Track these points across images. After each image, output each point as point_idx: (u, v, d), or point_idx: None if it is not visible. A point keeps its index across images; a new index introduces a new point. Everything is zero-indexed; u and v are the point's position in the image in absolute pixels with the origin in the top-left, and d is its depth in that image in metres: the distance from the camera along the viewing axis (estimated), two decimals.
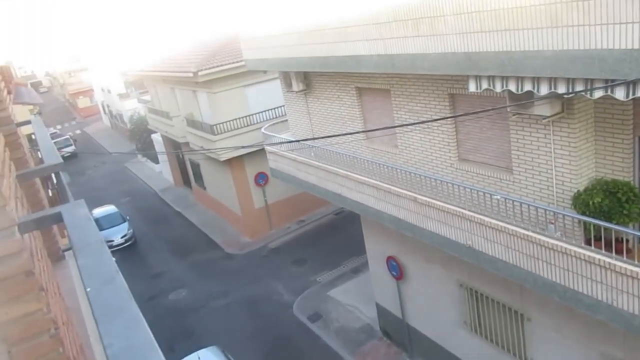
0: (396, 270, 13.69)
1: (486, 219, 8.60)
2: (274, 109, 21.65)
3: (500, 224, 8.34)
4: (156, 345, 1.39)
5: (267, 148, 15.61)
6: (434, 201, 9.70)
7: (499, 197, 8.56)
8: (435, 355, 13.80)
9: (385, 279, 14.56)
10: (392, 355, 15.14)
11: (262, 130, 16.00)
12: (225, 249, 23.95)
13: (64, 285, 4.12)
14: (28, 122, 6.70)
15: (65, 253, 5.08)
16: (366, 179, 11.45)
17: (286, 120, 16.12)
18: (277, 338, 17.03)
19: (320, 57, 11.32)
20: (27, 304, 2.09)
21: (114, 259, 1.88)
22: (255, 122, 21.78)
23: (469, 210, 8.96)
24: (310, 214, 24.92)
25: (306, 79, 13.71)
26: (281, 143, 14.72)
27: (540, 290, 8.13)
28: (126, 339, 1.41)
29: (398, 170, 10.84)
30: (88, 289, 1.65)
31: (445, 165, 10.26)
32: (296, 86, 13.78)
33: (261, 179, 23.36)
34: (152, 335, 1.44)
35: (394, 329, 15.30)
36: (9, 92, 6.89)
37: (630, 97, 5.87)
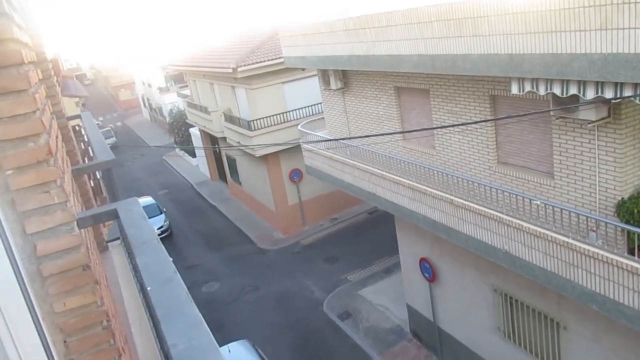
0: (429, 272, 13.57)
1: (525, 224, 8.44)
2: (311, 106, 21.71)
3: (540, 229, 8.17)
4: (217, 346, 1.43)
5: (303, 145, 15.68)
6: (470, 204, 9.58)
7: (538, 202, 8.39)
8: (466, 359, 13.63)
9: (417, 280, 14.45)
10: (422, 358, 15.02)
11: (299, 127, 16.09)
12: (258, 244, 24.19)
13: (109, 276, 4.25)
14: (78, 117, 6.91)
15: (109, 244, 5.23)
16: (402, 179, 11.38)
17: (323, 117, 16.15)
18: (306, 335, 17.12)
19: (359, 56, 11.30)
20: (83, 296, 2.18)
21: (170, 258, 1.94)
22: (292, 119, 21.89)
23: (507, 215, 8.81)
24: (344, 212, 24.92)
25: (344, 77, 13.71)
26: (317, 142, 14.77)
27: (579, 299, 7.93)
28: (189, 340, 1.45)
29: (435, 172, 10.74)
30: (149, 288, 1.71)
31: (484, 167, 10.10)
32: (334, 84, 13.79)
33: (296, 175, 23.48)
34: (212, 336, 1.48)
35: (425, 331, 15.17)
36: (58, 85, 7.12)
37: None
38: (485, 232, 9.40)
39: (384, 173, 11.92)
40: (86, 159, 9.59)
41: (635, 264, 6.82)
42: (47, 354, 1.93)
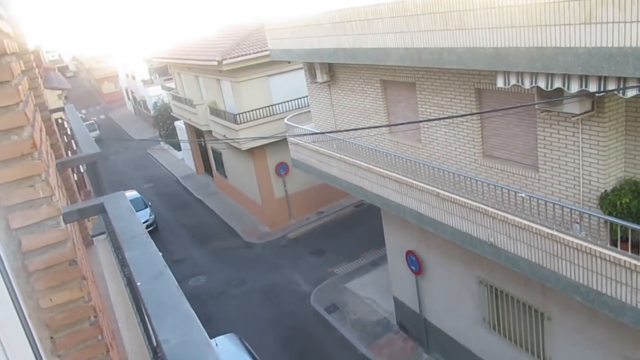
0: (415, 264, 13.66)
1: (510, 216, 8.52)
2: (297, 99, 21.64)
3: (524, 222, 8.26)
4: (210, 341, 1.42)
5: (290, 139, 15.65)
6: (456, 197, 9.64)
7: (523, 194, 8.47)
8: (452, 351, 13.77)
9: (404, 273, 14.54)
10: (408, 350, 15.15)
11: (285, 120, 16.04)
12: (245, 238, 24.14)
13: (94, 270, 4.20)
14: (61, 109, 6.80)
15: (94, 239, 5.18)
16: (388, 172, 11.42)
17: (309, 111, 16.12)
18: (293, 328, 17.16)
19: (346, 49, 11.28)
20: (70, 291, 2.15)
21: (160, 253, 1.92)
22: (278, 112, 21.81)
23: (492, 207, 8.89)
24: (330, 205, 24.95)
25: (331, 70, 13.68)
26: (304, 135, 14.74)
27: (563, 290, 8.04)
28: (181, 335, 1.44)
29: (421, 165, 10.79)
30: (139, 283, 1.69)
31: (469, 161, 10.17)
32: (320, 77, 13.76)
33: (282, 169, 23.44)
34: (205, 332, 1.47)
35: (411, 323, 15.29)
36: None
37: None
38: (471, 224, 9.48)
39: (371, 166, 11.95)
40: (69, 152, 9.46)
41: (618, 255, 6.93)
42: (33, 351, 1.90)
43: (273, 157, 23.33)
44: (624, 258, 6.85)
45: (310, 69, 14.25)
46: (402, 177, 11.00)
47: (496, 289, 11.36)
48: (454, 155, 10.53)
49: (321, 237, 22.79)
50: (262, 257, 22.26)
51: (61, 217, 2.13)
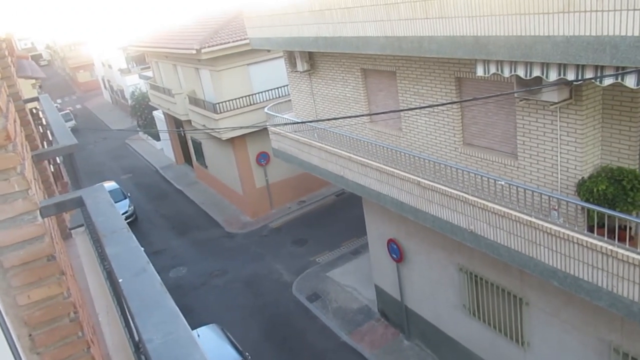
0: (396, 252, 13.76)
1: (489, 204, 8.62)
2: (278, 88, 21.50)
3: (504, 209, 8.36)
4: (196, 339, 1.39)
5: (270, 128, 15.55)
6: (437, 185, 9.70)
7: (503, 182, 8.56)
8: (432, 337, 13.96)
9: (385, 261, 14.64)
10: (389, 336, 15.31)
11: (266, 110, 15.93)
12: (226, 228, 24.04)
13: (74, 264, 4.12)
14: (35, 99, 6.63)
15: (72, 231, 5.08)
16: (369, 161, 11.44)
17: (289, 100, 16.03)
18: (275, 317, 17.20)
19: (326, 38, 11.21)
20: (49, 287, 2.10)
21: (142, 248, 1.88)
22: (259, 101, 21.65)
23: (472, 195, 8.97)
24: (311, 194, 24.95)
25: (311, 59, 13.60)
26: (284, 124, 14.67)
27: (541, 276, 8.18)
28: (166, 334, 1.40)
29: (401, 153, 10.82)
30: (120, 280, 1.65)
31: (450, 149, 10.24)
32: (301, 66, 13.67)
33: (263, 158, 23.33)
34: (190, 330, 1.44)
35: (392, 310, 15.44)
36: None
37: None
38: (451, 212, 9.56)
39: (352, 155, 11.95)
40: (45, 143, 9.25)
41: (594, 241, 7.06)
42: (11, 349, 1.86)
43: (254, 147, 23.20)
44: (600, 244, 6.99)
45: (291, 57, 14.15)
46: (383, 166, 11.03)
47: (476, 276, 11.52)
48: (434, 143, 10.59)
49: (302, 226, 22.81)
50: (244, 247, 22.21)
51: (38, 212, 2.08)
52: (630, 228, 7.26)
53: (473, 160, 9.75)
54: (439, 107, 9.98)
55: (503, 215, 8.40)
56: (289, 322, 16.86)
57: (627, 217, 6.91)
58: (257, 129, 20.37)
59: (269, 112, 15.58)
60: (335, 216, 22.84)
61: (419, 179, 10.09)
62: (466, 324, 12.46)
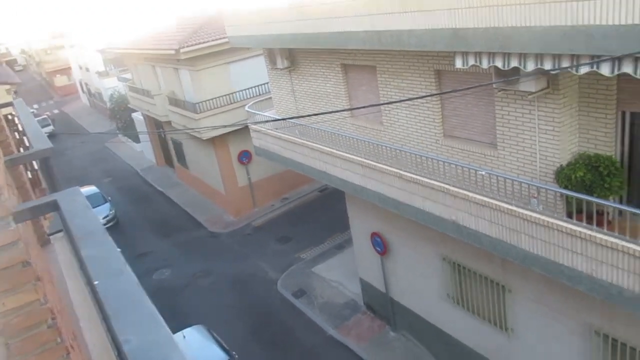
0: (380, 246, 13.86)
1: (471, 194, 8.74)
2: (259, 86, 21.45)
3: (485, 199, 8.49)
4: (175, 340, 1.38)
5: (251, 126, 15.53)
6: (419, 178, 9.80)
7: (483, 172, 8.70)
8: (419, 327, 14.11)
9: (369, 254, 14.74)
10: (376, 329, 15.42)
11: (246, 108, 15.89)
12: (209, 228, 23.93)
13: (53, 270, 4.07)
14: (9, 104, 6.50)
15: (51, 237, 4.99)
16: (351, 156, 11.50)
17: (270, 97, 16.02)
18: (262, 315, 17.19)
19: (305, 34, 11.24)
20: (24, 294, 2.05)
21: (119, 249, 1.88)
22: (239, 99, 21.59)
23: (453, 186, 9.09)
24: (294, 191, 24.97)
25: (291, 56, 13.61)
26: (266, 122, 14.66)
27: (523, 263, 8.33)
28: (143, 335, 1.39)
29: (383, 147, 10.91)
30: (96, 282, 1.63)
31: (431, 141, 10.35)
32: (281, 63, 13.68)
33: (244, 157, 23.27)
34: (169, 330, 1.43)
35: (378, 303, 15.56)
36: None
37: (616, 72, 5.99)
38: (433, 204, 9.67)
39: (333, 151, 12.00)
40: (21, 149, 9.11)
41: (573, 227, 7.23)
42: None
43: (235, 146, 23.13)
44: (578, 229, 7.16)
45: (271, 55, 14.15)
46: (365, 160, 11.10)
47: (459, 265, 11.68)
48: (415, 136, 10.70)
49: (286, 223, 22.82)
50: (228, 246, 22.14)
51: (11, 217, 2.03)
52: (607, 213, 7.46)
53: (454, 152, 9.87)
54: (419, 100, 10.09)
55: (484, 205, 8.53)
56: (275, 319, 16.87)
57: (604, 202, 7.09)
58: (238, 128, 20.30)
59: (249, 110, 15.55)
60: (319, 212, 22.90)
61: (400, 172, 10.19)
62: (451, 313, 12.62)
